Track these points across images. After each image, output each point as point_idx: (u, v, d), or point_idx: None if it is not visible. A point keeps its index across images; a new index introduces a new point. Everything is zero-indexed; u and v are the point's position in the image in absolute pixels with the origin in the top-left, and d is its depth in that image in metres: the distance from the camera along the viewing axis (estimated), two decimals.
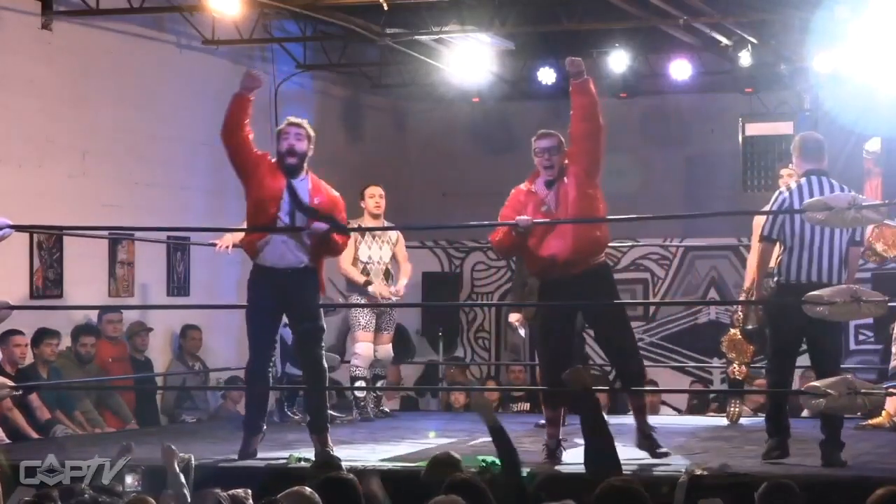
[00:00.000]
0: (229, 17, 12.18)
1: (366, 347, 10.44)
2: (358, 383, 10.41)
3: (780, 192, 7.98)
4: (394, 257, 10.62)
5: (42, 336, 10.76)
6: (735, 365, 9.99)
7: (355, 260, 10.35)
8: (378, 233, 10.33)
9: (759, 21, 12.94)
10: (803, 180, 7.94)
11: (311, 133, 8.18)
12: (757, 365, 12.24)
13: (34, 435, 10.21)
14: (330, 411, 10.34)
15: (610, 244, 14.45)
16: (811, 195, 7.75)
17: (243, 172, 8.08)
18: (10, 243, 8.93)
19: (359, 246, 10.35)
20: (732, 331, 9.92)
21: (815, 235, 7.74)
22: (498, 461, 7.15)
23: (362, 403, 10.56)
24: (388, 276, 10.50)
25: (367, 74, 15.61)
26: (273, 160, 8.09)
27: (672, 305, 15.25)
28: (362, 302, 10.27)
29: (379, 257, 10.42)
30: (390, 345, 10.70)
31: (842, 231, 7.74)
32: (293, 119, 8.26)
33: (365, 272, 10.35)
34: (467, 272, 15.53)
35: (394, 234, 10.55)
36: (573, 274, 7.98)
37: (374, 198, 10.45)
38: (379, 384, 10.76)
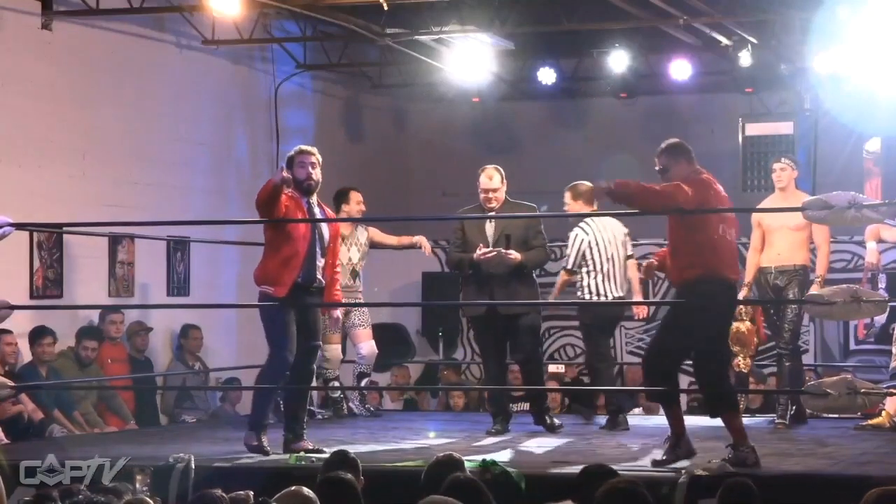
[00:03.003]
0: (229, 17, 12.18)
1: (334, 350, 10.63)
2: (331, 383, 10.71)
3: (578, 233, 10.06)
4: (374, 246, 10.89)
5: (36, 335, 10.76)
6: (739, 358, 10.00)
7: None
8: (348, 234, 10.60)
9: (759, 21, 12.94)
10: (590, 219, 10.03)
11: (320, 158, 8.68)
12: (761, 362, 12.25)
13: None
14: (310, 407, 10.51)
15: None
16: (600, 229, 10.04)
17: (276, 223, 8.49)
18: (10, 243, 8.95)
19: None
20: (736, 324, 9.90)
21: (604, 262, 10.02)
22: (498, 462, 7.17)
23: (340, 402, 10.84)
24: (356, 275, 10.63)
25: (367, 74, 15.61)
26: (289, 194, 8.48)
27: (672, 305, 15.22)
28: None
29: (348, 258, 10.56)
30: (372, 341, 10.73)
31: (619, 255, 10.08)
32: (306, 147, 8.68)
33: None
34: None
35: (362, 237, 10.72)
36: (672, 282, 8.00)
37: (360, 204, 10.75)
38: (364, 382, 10.84)
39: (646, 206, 7.82)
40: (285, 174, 8.30)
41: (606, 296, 9.99)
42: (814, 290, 9.63)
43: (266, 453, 8.29)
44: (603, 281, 10.02)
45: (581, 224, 10.09)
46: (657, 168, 7.97)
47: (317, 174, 8.55)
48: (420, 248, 10.93)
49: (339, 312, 9.33)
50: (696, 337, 7.76)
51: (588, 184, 9.98)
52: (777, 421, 9.86)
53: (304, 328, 8.51)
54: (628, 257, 10.22)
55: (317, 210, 8.60)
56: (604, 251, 10.05)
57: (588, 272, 10.04)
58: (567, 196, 10.11)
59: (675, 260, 7.85)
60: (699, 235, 7.69)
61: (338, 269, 8.94)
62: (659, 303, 15.40)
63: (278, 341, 8.47)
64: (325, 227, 8.60)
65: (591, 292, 10.03)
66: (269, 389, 8.64)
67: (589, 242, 10.03)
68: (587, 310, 10.18)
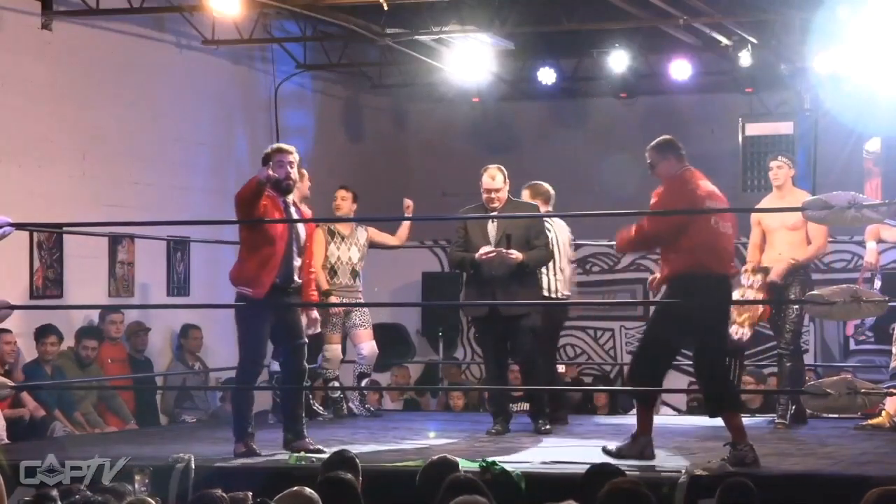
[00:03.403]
0: (229, 17, 12.18)
1: (334, 350, 10.62)
2: (331, 384, 10.69)
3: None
4: (374, 246, 10.88)
5: (41, 333, 10.78)
6: (737, 326, 9.80)
7: (325, 260, 10.48)
8: (347, 234, 10.60)
9: (759, 21, 12.94)
10: (551, 219, 9.95)
11: (297, 157, 8.58)
12: (761, 362, 12.18)
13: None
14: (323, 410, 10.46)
15: (610, 244, 14.49)
16: (557, 230, 9.98)
17: (252, 225, 8.37)
18: (10, 243, 8.95)
19: (328, 246, 10.50)
20: (741, 290, 9.76)
21: (562, 261, 9.98)
22: (498, 462, 7.17)
23: (340, 402, 10.81)
24: (356, 275, 10.63)
25: (367, 74, 15.61)
26: (266, 193, 8.33)
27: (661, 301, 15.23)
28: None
29: (348, 258, 10.56)
30: (373, 341, 10.73)
31: (567, 257, 10.10)
32: (284, 146, 8.56)
33: (333, 272, 10.48)
34: None
35: (362, 237, 10.70)
36: (662, 276, 8.02)
37: (336, 200, 10.70)
38: (364, 382, 10.85)
39: (651, 244, 8.01)
40: (271, 172, 8.21)
41: (560, 296, 10.02)
42: (780, 267, 9.62)
43: (258, 456, 8.25)
44: (559, 281, 10.03)
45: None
46: (648, 162, 8.04)
47: (294, 173, 8.46)
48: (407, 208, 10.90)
49: (316, 312, 9.29)
50: (685, 332, 7.80)
51: (546, 184, 10.10)
52: (777, 421, 9.85)
53: (286, 328, 8.47)
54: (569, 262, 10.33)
55: (293, 210, 8.51)
56: (562, 251, 10.07)
57: (548, 270, 10.00)
58: (526, 194, 10.08)
59: (665, 252, 7.91)
60: (689, 228, 7.74)
61: (313, 269, 8.90)
62: (658, 302, 15.40)
63: (249, 349, 8.41)
64: (301, 226, 8.52)
65: (549, 291, 9.97)
66: (244, 397, 8.55)
67: (551, 241, 9.97)
68: (546, 310, 9.97)
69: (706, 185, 7.94)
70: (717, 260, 7.80)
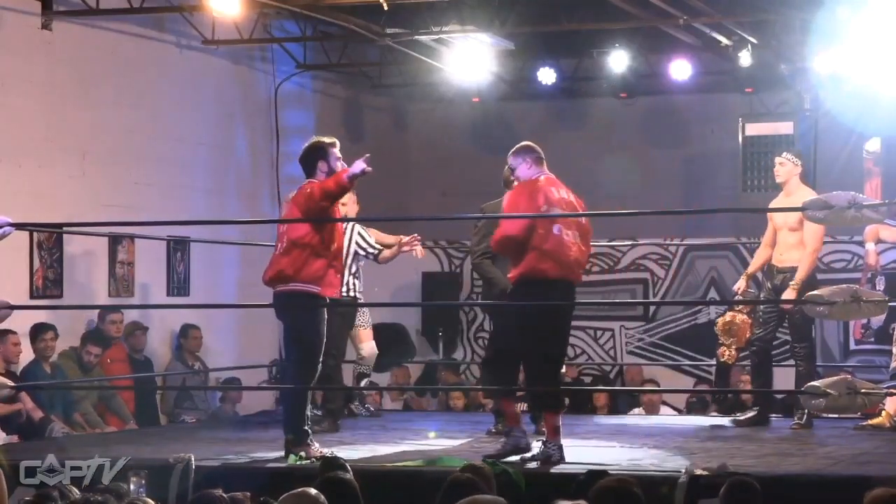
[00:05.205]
0: (229, 17, 12.18)
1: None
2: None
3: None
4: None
5: (37, 331, 10.78)
6: (724, 348, 9.88)
7: None
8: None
9: (759, 21, 12.93)
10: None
11: None
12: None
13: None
14: (315, 411, 10.45)
15: (610, 244, 14.53)
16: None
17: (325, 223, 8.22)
18: (10, 243, 8.94)
19: None
20: (731, 314, 9.86)
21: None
22: (498, 462, 7.17)
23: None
24: None
25: (367, 74, 15.60)
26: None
27: (672, 305, 15.27)
28: None
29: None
30: (372, 341, 10.71)
31: None
32: (336, 140, 8.48)
33: None
34: (467, 272, 15.52)
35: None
36: None
37: (353, 203, 10.58)
38: (363, 382, 10.82)
39: (508, 247, 8.00)
40: (366, 167, 8.08)
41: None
42: (786, 295, 9.57)
43: (317, 458, 7.91)
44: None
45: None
46: (508, 167, 8.19)
47: None
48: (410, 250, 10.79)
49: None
50: (525, 336, 7.91)
51: None
52: (794, 422, 9.75)
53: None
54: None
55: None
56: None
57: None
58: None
59: (514, 256, 8.03)
60: (533, 234, 7.87)
61: None
62: (658, 303, 15.40)
63: (315, 346, 8.17)
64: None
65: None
66: (302, 396, 8.31)
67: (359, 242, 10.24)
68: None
69: (559, 192, 8.05)
70: (557, 267, 7.91)
